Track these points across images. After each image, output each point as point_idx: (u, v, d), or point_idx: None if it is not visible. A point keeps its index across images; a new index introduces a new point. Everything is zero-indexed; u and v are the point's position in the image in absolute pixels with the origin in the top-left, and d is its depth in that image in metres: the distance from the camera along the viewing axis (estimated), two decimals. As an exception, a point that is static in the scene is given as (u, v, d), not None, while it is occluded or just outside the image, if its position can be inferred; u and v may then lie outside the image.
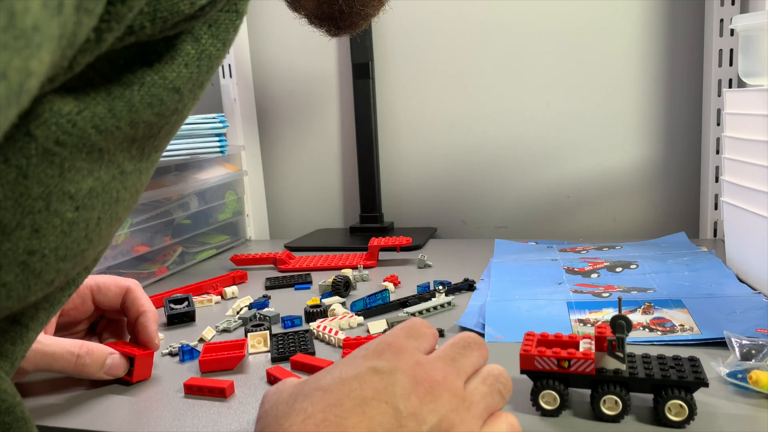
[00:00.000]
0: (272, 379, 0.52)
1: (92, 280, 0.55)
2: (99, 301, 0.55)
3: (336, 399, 0.31)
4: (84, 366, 0.50)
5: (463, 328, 0.61)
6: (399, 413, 0.31)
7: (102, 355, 0.51)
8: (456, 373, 0.34)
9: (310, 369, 0.53)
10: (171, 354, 0.60)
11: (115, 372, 0.52)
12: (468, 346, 0.37)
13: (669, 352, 0.50)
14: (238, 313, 0.71)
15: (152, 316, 0.55)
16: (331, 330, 0.61)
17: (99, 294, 0.55)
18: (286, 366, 0.54)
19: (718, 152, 0.93)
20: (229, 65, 1.12)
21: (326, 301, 0.71)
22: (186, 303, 0.70)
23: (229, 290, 0.78)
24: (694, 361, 0.43)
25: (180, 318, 0.69)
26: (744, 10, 0.90)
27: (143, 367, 0.53)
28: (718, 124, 0.93)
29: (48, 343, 0.49)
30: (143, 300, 0.56)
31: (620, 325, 0.41)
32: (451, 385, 0.33)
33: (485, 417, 0.34)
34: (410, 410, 0.31)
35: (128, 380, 0.53)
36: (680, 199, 1.03)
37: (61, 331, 0.55)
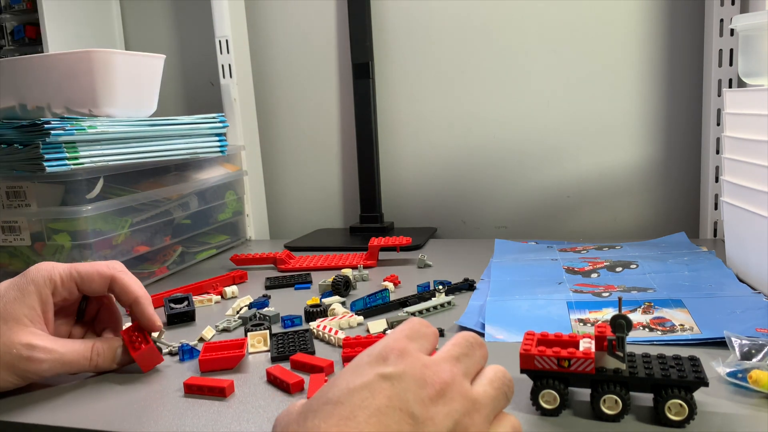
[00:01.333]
0: (272, 378, 0.52)
1: (73, 269, 0.54)
2: (84, 291, 0.55)
3: (348, 411, 0.30)
4: (97, 366, 0.54)
5: (463, 328, 0.61)
6: (416, 419, 0.30)
7: (111, 351, 0.55)
8: (463, 373, 0.34)
9: (310, 368, 0.53)
10: (171, 353, 0.60)
11: (125, 360, 0.56)
12: (470, 345, 0.36)
13: (669, 351, 0.50)
14: (238, 312, 0.71)
15: (145, 300, 0.56)
16: (331, 329, 0.61)
17: (84, 285, 0.55)
18: (286, 365, 0.54)
19: (718, 152, 0.93)
20: (230, 65, 1.12)
21: (326, 300, 0.71)
22: (186, 303, 0.70)
23: (229, 290, 0.78)
24: (694, 361, 0.43)
25: (180, 317, 0.69)
26: (744, 10, 0.90)
27: (149, 360, 0.55)
28: (718, 124, 0.93)
29: (63, 351, 0.52)
30: (133, 287, 0.55)
31: (620, 324, 0.41)
32: (460, 387, 0.33)
33: (492, 419, 0.34)
34: (426, 414, 0.31)
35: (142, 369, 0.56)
36: (680, 199, 1.03)
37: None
